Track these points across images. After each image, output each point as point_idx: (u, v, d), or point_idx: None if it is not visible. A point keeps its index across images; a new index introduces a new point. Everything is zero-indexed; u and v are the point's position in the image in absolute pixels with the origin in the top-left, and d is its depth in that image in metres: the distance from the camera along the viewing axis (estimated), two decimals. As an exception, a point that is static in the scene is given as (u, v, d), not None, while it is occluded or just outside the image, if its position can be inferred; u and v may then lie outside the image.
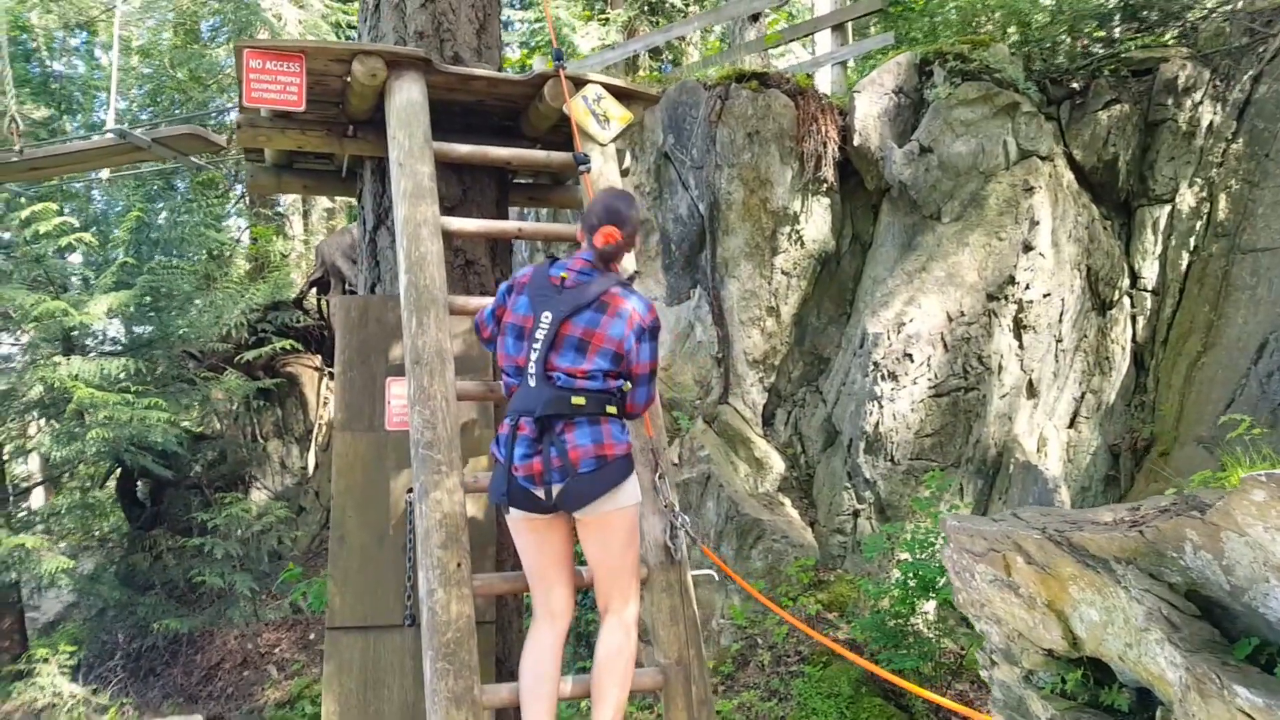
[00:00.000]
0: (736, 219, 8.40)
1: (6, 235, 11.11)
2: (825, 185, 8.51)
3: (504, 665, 4.93)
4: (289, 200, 20.02)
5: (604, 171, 4.67)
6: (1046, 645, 2.55)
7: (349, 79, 4.63)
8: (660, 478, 3.95)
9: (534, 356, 3.38)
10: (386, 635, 4.50)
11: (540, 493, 3.34)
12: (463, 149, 4.65)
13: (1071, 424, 8.81)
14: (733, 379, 8.53)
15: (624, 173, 5.55)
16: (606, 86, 4.91)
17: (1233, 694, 1.80)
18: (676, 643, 3.79)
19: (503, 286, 3.68)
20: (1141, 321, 8.89)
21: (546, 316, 3.39)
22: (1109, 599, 2.25)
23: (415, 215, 4.27)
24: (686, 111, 8.60)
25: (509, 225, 4.65)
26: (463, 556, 3.66)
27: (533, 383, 3.37)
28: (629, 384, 3.49)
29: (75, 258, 12.34)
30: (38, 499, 14.54)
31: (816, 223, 8.56)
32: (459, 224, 4.48)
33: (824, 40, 10.39)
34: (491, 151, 4.74)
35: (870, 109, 8.49)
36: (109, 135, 6.64)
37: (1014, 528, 2.48)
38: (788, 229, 8.46)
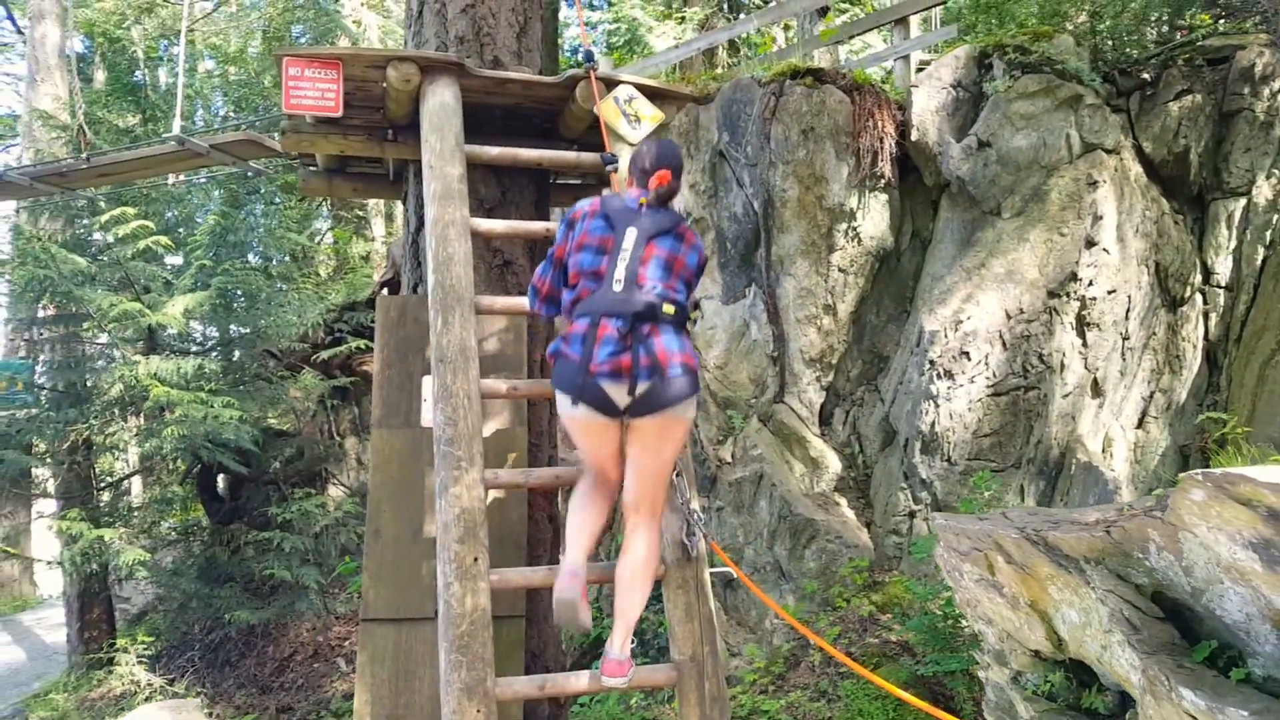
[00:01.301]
0: (791, 216, 8.35)
1: (99, 236, 11.57)
2: (882, 181, 8.41)
3: (538, 659, 4.99)
4: (373, 202, 20.50)
5: (632, 171, 4.68)
6: (1033, 646, 2.50)
7: (386, 84, 4.75)
8: (678, 475, 3.96)
9: (622, 263, 3.55)
10: (418, 627, 4.59)
11: (622, 389, 3.44)
12: (493, 151, 4.72)
13: (1140, 424, 8.56)
14: (788, 378, 8.48)
15: (660, 171, 5.56)
16: (638, 87, 4.94)
17: (1179, 696, 1.76)
18: (691, 639, 3.80)
19: (560, 225, 3.86)
20: (1215, 318, 8.61)
21: (631, 232, 3.60)
22: (1084, 600, 2.20)
23: (444, 216, 4.35)
24: (741, 109, 8.57)
25: (536, 226, 4.70)
26: (479, 551, 3.72)
27: (618, 288, 3.52)
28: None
29: (175, 259, 12.81)
30: (136, 492, 15.16)
31: (874, 219, 8.46)
32: (488, 225, 4.55)
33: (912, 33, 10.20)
34: (522, 153, 4.80)
35: (928, 103, 8.36)
36: (170, 142, 6.90)
37: (995, 526, 2.44)
38: (844, 226, 8.37)
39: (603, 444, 3.65)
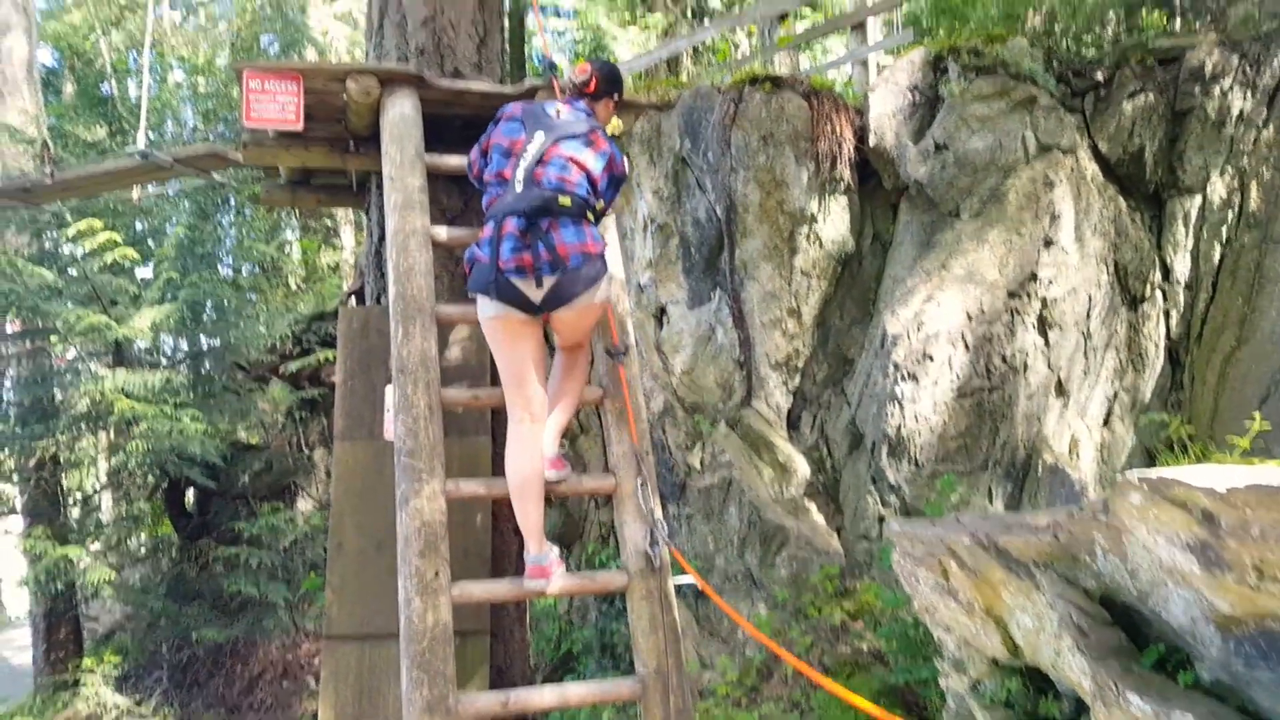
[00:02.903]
0: (754, 221, 8.38)
1: (66, 249, 11.41)
2: (842, 185, 8.45)
3: (505, 674, 4.95)
4: (342, 212, 20.36)
5: (591, 180, 4.68)
6: (990, 653, 2.52)
7: (346, 97, 4.73)
8: (642, 485, 3.96)
9: (522, 165, 3.75)
10: (382, 644, 4.54)
11: (530, 284, 3.64)
12: (453, 161, 4.71)
13: (1105, 423, 8.64)
14: (755, 382, 8.50)
15: (621, 180, 5.57)
16: (596, 96, 4.94)
17: (1127, 702, 1.77)
18: (655, 651, 3.79)
19: (491, 124, 4.06)
20: (1175, 316, 8.70)
21: (539, 134, 3.81)
22: (1036, 604, 2.22)
23: (404, 226, 4.34)
24: (702, 116, 8.60)
25: (495, 235, 4.69)
26: (440, 565, 3.70)
27: (519, 188, 3.72)
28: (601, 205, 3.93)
29: (145, 272, 12.65)
30: (107, 508, 14.95)
31: (834, 223, 8.51)
32: (448, 233, 4.54)
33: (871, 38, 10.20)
34: (481, 163, 4.79)
35: (885, 107, 8.41)
36: (134, 156, 6.86)
37: (948, 531, 2.46)
38: (805, 229, 8.41)
39: (524, 346, 3.82)
